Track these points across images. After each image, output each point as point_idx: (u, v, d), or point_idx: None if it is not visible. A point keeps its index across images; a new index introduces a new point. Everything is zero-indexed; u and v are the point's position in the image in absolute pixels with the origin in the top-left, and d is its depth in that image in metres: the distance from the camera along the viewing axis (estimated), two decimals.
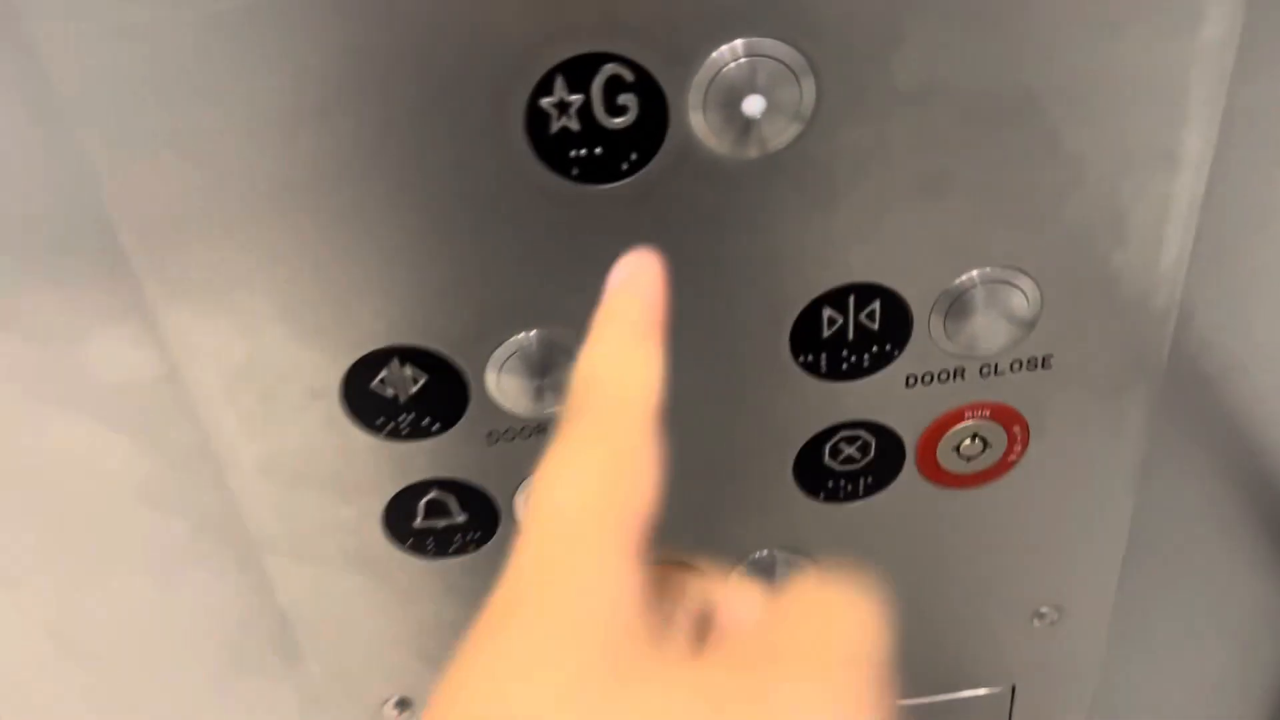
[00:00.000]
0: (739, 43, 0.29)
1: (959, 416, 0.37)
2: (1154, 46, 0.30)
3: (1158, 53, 0.30)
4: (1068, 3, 0.29)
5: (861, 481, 0.39)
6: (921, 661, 0.45)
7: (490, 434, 0.36)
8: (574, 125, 0.29)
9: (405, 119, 0.29)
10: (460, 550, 0.39)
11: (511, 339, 0.33)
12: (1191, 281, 0.35)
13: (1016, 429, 0.38)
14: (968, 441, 0.38)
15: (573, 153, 0.30)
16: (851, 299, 0.34)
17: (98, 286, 0.32)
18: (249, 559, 0.38)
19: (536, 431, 0.36)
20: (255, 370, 0.33)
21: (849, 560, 0.41)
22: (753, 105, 0.30)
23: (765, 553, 0.40)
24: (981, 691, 0.47)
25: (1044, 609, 0.44)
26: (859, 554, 0.41)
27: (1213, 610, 0.46)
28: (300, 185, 0.30)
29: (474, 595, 0.40)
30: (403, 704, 0.43)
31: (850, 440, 0.37)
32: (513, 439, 0.36)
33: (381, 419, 0.35)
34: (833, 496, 0.39)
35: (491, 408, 0.35)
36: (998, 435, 0.38)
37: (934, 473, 0.39)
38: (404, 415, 0.35)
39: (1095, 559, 0.43)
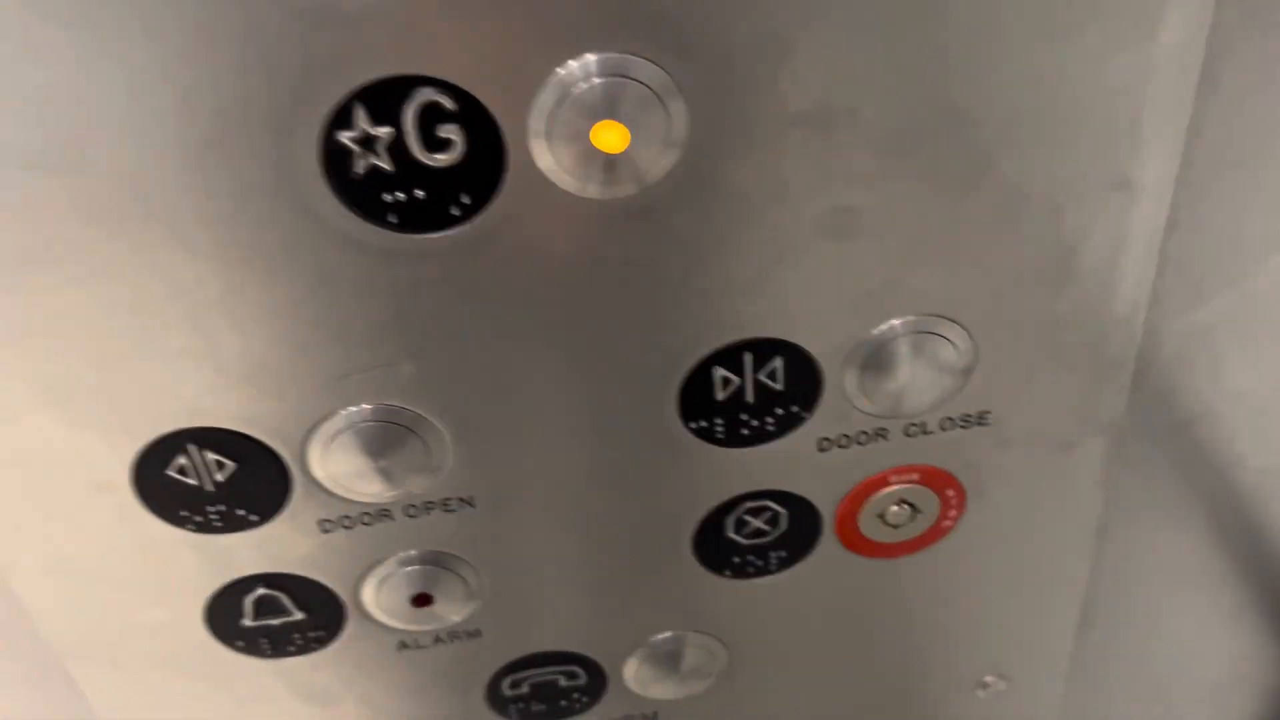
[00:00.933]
0: (590, 59, 0.23)
1: (882, 482, 0.32)
2: (1103, 55, 0.24)
3: (1107, 62, 0.24)
4: (996, 7, 0.23)
5: (773, 556, 0.33)
6: None
7: (322, 522, 0.30)
8: (385, 164, 0.23)
9: (178, 160, 0.23)
10: (301, 649, 0.33)
11: (338, 414, 0.27)
12: (1153, 323, 0.30)
13: (950, 493, 0.32)
14: (894, 508, 0.32)
15: (387, 196, 0.24)
16: (748, 357, 0.28)
17: None
18: (51, 664, 0.32)
19: (380, 517, 0.30)
20: (21, 463, 0.27)
21: (765, 640, 0.35)
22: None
23: (669, 634, 0.35)
24: None
25: (988, 679, 0.39)
26: (776, 633, 0.35)
27: (1180, 675, 0.41)
28: (54, 242, 0.24)
29: (324, 696, 0.34)
30: None
31: (756, 512, 0.32)
32: (350, 527, 0.30)
33: (185, 512, 0.29)
34: (740, 573, 0.33)
35: (320, 492, 0.29)
36: (928, 500, 0.32)
37: (856, 543, 0.33)
38: (213, 506, 0.29)
39: (1045, 624, 0.37)
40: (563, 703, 0.36)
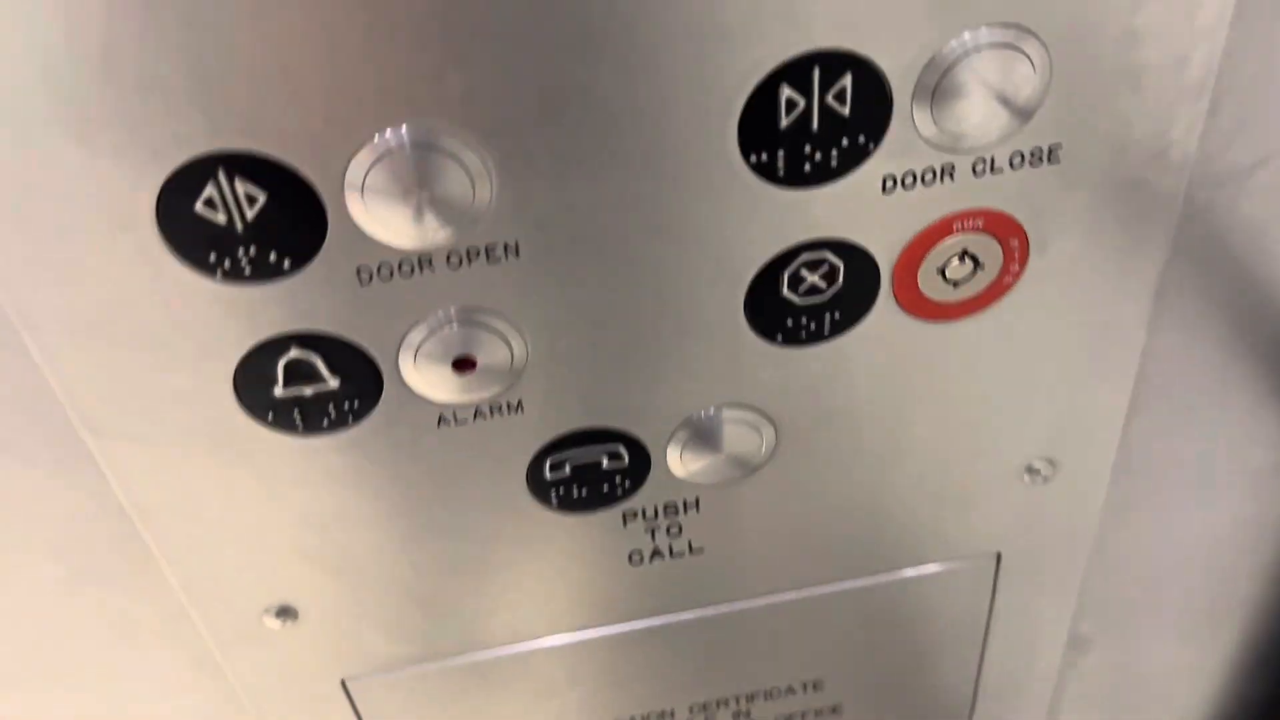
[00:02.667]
0: None
1: (946, 229, 0.30)
2: None
3: None
4: None
5: (827, 317, 0.32)
6: (894, 530, 0.39)
7: (361, 270, 0.28)
8: None
9: None
10: (337, 424, 0.31)
11: (372, 141, 0.25)
12: (1235, 41, 0.28)
13: (1014, 243, 0.31)
14: (956, 261, 0.31)
15: None
16: (816, 73, 0.26)
17: None
18: (71, 441, 0.31)
19: (419, 267, 0.28)
20: (40, 193, 0.25)
21: (814, 417, 0.34)
22: None
23: (715, 409, 0.33)
24: (961, 564, 0.41)
25: (1036, 464, 0.38)
26: (825, 409, 0.34)
27: (1223, 469, 0.40)
28: None
29: (359, 479, 0.33)
30: (285, 612, 0.36)
31: (814, 266, 0.30)
32: (389, 278, 0.28)
33: (215, 255, 0.27)
34: (792, 338, 0.32)
35: (358, 236, 0.27)
36: (992, 252, 0.31)
37: (914, 303, 0.32)
38: (243, 248, 0.27)
39: (1098, 404, 0.36)
40: (605, 487, 0.35)
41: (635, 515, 0.36)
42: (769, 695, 0.45)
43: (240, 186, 0.26)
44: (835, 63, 0.26)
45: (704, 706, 0.45)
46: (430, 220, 0.27)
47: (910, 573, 0.41)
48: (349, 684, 0.39)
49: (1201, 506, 0.41)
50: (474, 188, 0.27)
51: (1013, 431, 0.36)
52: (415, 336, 0.29)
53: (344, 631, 0.37)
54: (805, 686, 0.45)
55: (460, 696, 0.41)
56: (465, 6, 0.24)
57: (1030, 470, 0.38)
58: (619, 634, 0.40)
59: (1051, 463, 0.38)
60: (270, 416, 0.30)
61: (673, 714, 0.45)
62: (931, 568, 0.41)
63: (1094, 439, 0.37)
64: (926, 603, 0.42)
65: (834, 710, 0.47)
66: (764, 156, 0.28)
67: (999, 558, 0.41)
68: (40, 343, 0.28)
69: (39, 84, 0.24)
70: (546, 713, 0.43)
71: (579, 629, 0.40)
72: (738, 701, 0.45)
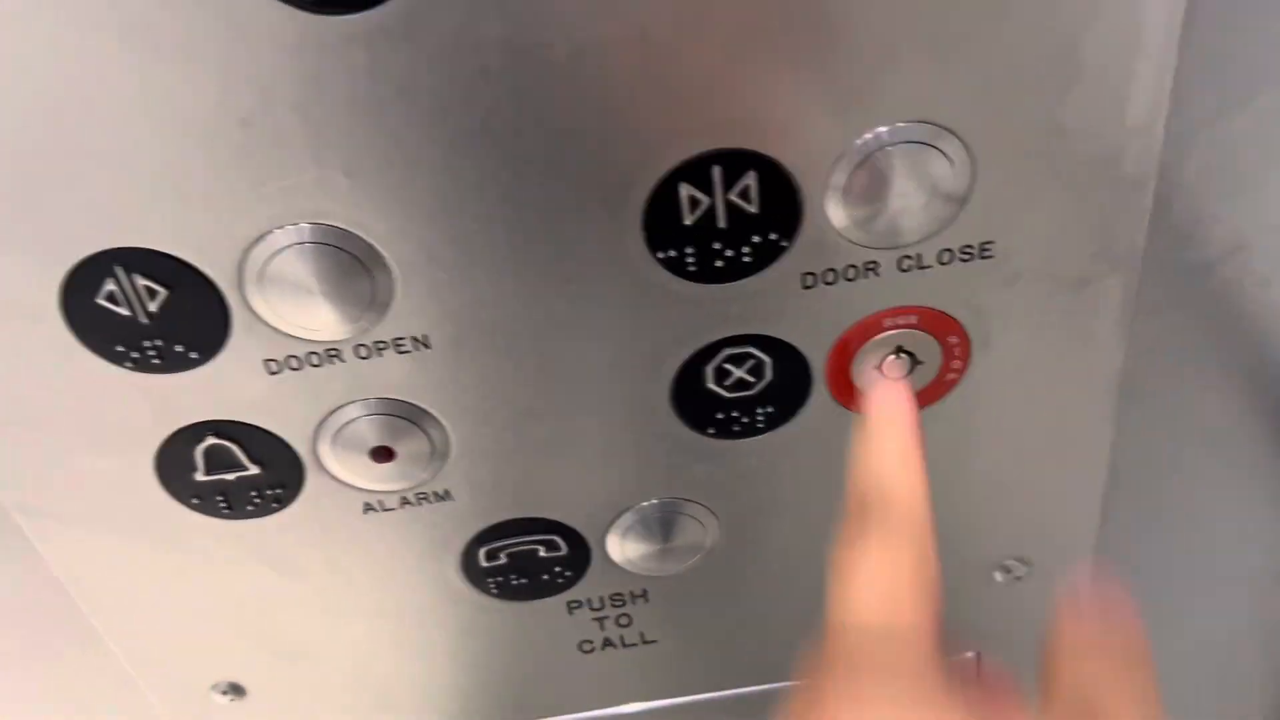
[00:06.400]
0: None
1: (876, 326, 0.29)
2: None
3: None
4: None
5: (759, 412, 0.31)
6: None
7: (268, 362, 0.28)
8: None
9: None
10: (261, 510, 0.31)
11: (272, 233, 0.26)
12: (1175, 134, 0.26)
13: (953, 339, 0.30)
14: (891, 357, 0.30)
15: None
16: (717, 171, 0.26)
17: None
18: (8, 519, 0.31)
19: (329, 358, 0.28)
20: None
21: (758, 509, 0.33)
22: None
23: (654, 501, 0.33)
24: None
25: (1009, 562, 0.36)
26: (769, 501, 0.33)
27: (1218, 554, 0.37)
28: None
29: (290, 563, 0.32)
30: (233, 689, 0.36)
31: (738, 360, 0.29)
32: (298, 368, 0.28)
33: (122, 345, 0.27)
34: (726, 432, 0.31)
35: (263, 327, 0.27)
36: (929, 348, 0.30)
37: (851, 398, 0.31)
38: (149, 340, 0.27)
39: (1068, 501, 0.34)
40: (544, 576, 0.34)
41: (579, 604, 0.35)
42: None
43: (140, 281, 0.26)
44: (737, 161, 0.25)
45: None
46: (329, 314, 0.27)
47: None
48: None
49: (1194, 608, 0.39)
50: (373, 283, 0.26)
51: (978, 530, 0.35)
52: (330, 426, 0.29)
53: (292, 711, 0.37)
54: None
55: None
56: (354, 106, 0.24)
57: (1003, 569, 0.36)
58: None
59: (1024, 561, 0.36)
60: (195, 501, 0.31)
61: None
62: None
63: (1068, 536, 0.36)
64: None
65: None
66: (672, 253, 0.27)
67: (979, 658, 0.39)
68: None
69: None
70: None
71: (535, 718, 0.39)
72: None
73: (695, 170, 0.25)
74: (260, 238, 0.26)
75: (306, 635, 0.35)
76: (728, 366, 0.29)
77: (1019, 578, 0.36)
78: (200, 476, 0.30)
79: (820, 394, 0.30)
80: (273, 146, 0.24)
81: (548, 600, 0.35)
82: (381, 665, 0.36)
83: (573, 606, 0.35)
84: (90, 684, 0.37)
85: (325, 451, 0.30)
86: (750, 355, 0.29)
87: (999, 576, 0.36)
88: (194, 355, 0.27)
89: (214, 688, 0.36)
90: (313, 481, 0.31)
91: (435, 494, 0.31)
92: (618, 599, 0.35)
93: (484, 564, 0.33)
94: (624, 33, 0.23)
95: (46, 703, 0.37)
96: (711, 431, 0.31)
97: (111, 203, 0.25)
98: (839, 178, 0.26)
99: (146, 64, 0.23)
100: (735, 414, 0.30)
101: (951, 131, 0.26)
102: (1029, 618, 0.37)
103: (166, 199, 0.25)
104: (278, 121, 0.24)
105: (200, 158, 0.24)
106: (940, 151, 0.26)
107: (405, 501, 0.32)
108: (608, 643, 0.37)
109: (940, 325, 0.29)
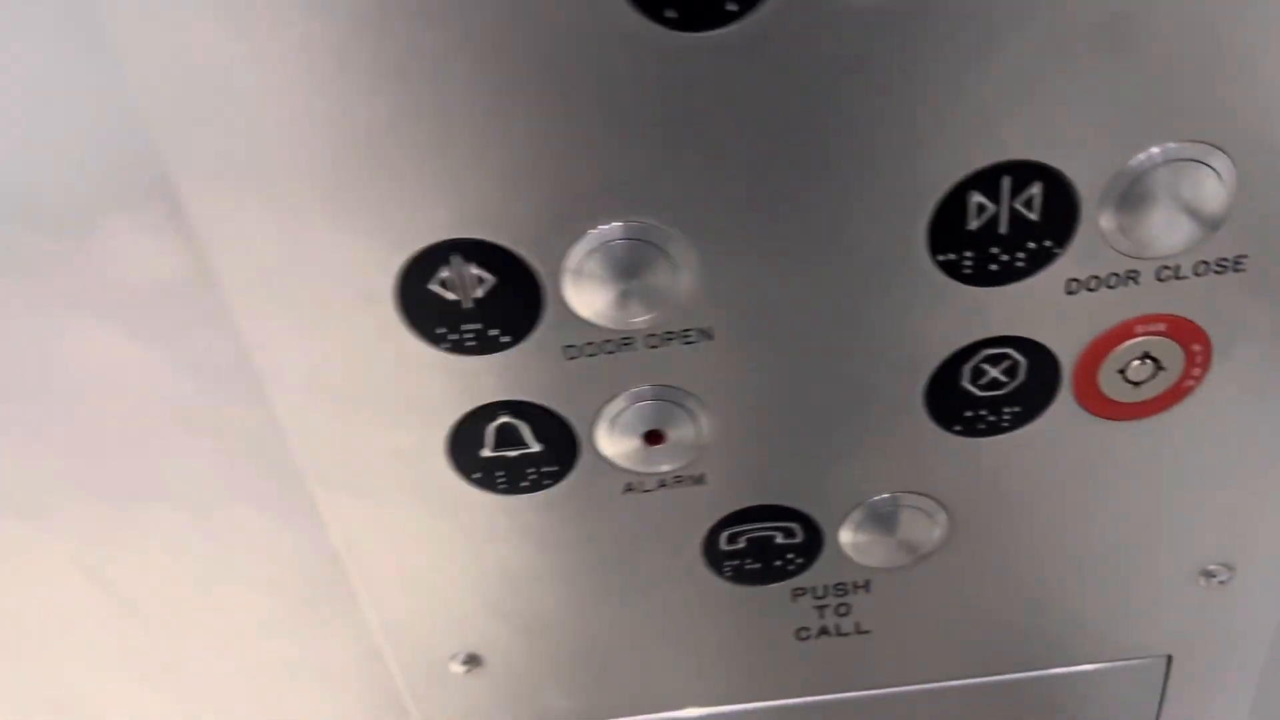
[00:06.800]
0: None
1: (1128, 332, 0.31)
2: None
3: None
4: None
5: (1006, 412, 0.33)
6: (1065, 627, 0.39)
7: (568, 348, 0.30)
8: None
9: None
10: (534, 486, 0.34)
11: (591, 232, 0.28)
12: None
13: (1196, 348, 0.31)
14: (1136, 362, 0.32)
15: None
16: (1006, 182, 0.28)
17: (113, 166, 0.28)
18: (296, 492, 0.34)
19: (621, 346, 0.30)
20: (298, 268, 0.29)
21: (988, 508, 0.35)
22: None
23: (889, 495, 0.35)
24: (1131, 663, 0.40)
25: (1213, 567, 0.37)
26: (999, 500, 0.35)
27: None
28: (342, 44, 0.25)
29: (549, 538, 0.35)
30: (471, 660, 0.38)
31: (996, 360, 0.31)
32: (593, 355, 0.31)
33: (443, 329, 0.30)
34: (970, 430, 0.33)
35: (569, 316, 0.30)
36: (1173, 355, 0.32)
37: (1093, 401, 0.32)
38: (468, 324, 0.30)
39: (1269, 512, 0.36)
40: (776, 562, 0.36)
41: (804, 592, 0.37)
42: None
43: (471, 269, 0.29)
44: (1025, 172, 0.28)
45: None
46: (635, 305, 0.29)
47: (1081, 669, 0.41)
48: None
49: None
50: (678, 278, 0.29)
51: (1189, 534, 0.36)
52: (612, 409, 0.32)
53: (523, 683, 0.40)
54: None
55: None
56: (686, 119, 0.26)
57: (1206, 574, 0.38)
58: (782, 708, 0.41)
59: (1228, 566, 0.37)
60: (476, 476, 0.33)
61: None
62: (1100, 666, 0.41)
63: (1273, 545, 0.37)
64: (1092, 702, 0.42)
65: None
66: (952, 256, 0.29)
67: (1169, 660, 0.40)
68: (286, 402, 0.31)
69: (305, 174, 0.27)
70: None
71: (745, 701, 0.41)
72: None
73: (986, 179, 0.28)
74: (583, 234, 0.28)
75: (549, 610, 0.37)
76: (984, 366, 0.32)
77: (1222, 582, 0.38)
78: (486, 453, 0.33)
79: (1065, 395, 0.32)
80: (603, 153, 0.27)
81: (774, 586, 0.37)
82: (610, 643, 0.38)
83: (797, 593, 0.37)
84: (340, 655, 0.39)
85: (601, 433, 0.32)
86: (1007, 356, 0.31)
87: (1201, 581, 0.38)
88: (505, 339, 0.30)
89: (454, 658, 0.38)
90: (585, 460, 0.33)
91: (691, 478, 0.34)
92: (840, 588, 0.37)
93: (724, 547, 0.36)
94: (927, 59, 0.26)
95: (302, 671, 0.40)
96: (958, 429, 0.33)
97: (458, 197, 0.27)
98: (1115, 191, 0.28)
99: (501, 72, 0.26)
100: (983, 412, 0.33)
101: (1222, 149, 0.28)
102: (1226, 624, 0.39)
103: (510, 196, 0.27)
104: (621, 131, 0.27)
105: (546, 160, 0.27)
106: (1211, 168, 0.28)
107: (662, 484, 0.34)
108: (823, 631, 0.39)
109: (1187, 333, 0.31)
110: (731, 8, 0.25)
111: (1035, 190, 0.28)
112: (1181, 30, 0.26)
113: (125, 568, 0.36)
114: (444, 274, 0.29)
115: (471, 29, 0.25)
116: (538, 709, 0.41)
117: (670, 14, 0.25)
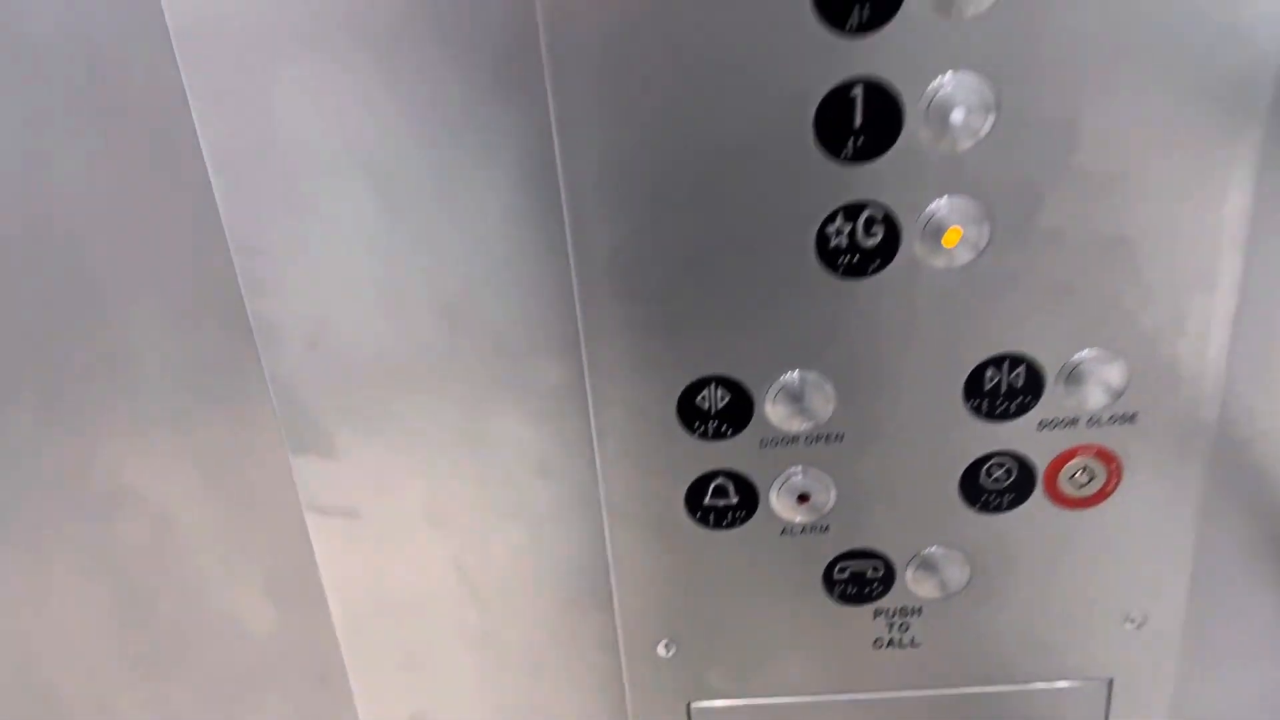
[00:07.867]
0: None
1: (1074, 453, 0.56)
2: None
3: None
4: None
5: (1004, 498, 0.57)
6: (1036, 651, 0.62)
7: (762, 440, 0.55)
8: (843, 242, 0.50)
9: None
10: (729, 525, 0.58)
11: (782, 376, 0.53)
12: (1234, 365, 0.53)
13: (1113, 466, 0.56)
14: (1079, 473, 0.56)
15: (841, 260, 0.51)
16: (1005, 364, 0.53)
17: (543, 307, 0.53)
18: (595, 519, 0.58)
19: (791, 441, 0.55)
20: (628, 407, 0.54)
21: (993, 562, 0.59)
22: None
23: (934, 549, 0.59)
24: (1081, 682, 0.63)
25: (1133, 613, 0.60)
26: (997, 556, 0.59)
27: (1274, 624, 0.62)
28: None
29: (730, 560, 0.59)
30: (671, 643, 0.61)
31: (999, 465, 0.56)
32: (776, 445, 0.55)
33: (697, 424, 0.55)
34: (984, 508, 0.57)
35: (765, 422, 0.54)
36: (1100, 470, 0.56)
37: (1056, 495, 0.57)
38: (711, 423, 0.55)
39: (1167, 576, 0.59)
40: (866, 589, 0.60)
41: (880, 613, 0.61)
42: None
43: (719, 392, 0.54)
44: (1014, 360, 0.53)
45: None
46: (799, 420, 0.54)
47: (1037, 686, 0.63)
48: (692, 707, 0.64)
49: (1267, 661, 0.63)
50: (827, 406, 0.54)
51: (1114, 588, 0.60)
52: (781, 479, 0.56)
53: (698, 665, 0.62)
54: None
55: None
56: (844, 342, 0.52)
57: (1129, 619, 0.61)
58: (863, 700, 0.64)
59: (1143, 614, 0.60)
60: (697, 515, 0.57)
61: None
62: (1056, 685, 0.63)
63: (1168, 599, 0.60)
64: (1049, 713, 0.64)
65: None
66: (977, 402, 0.54)
67: (1110, 683, 0.63)
68: (603, 460, 0.56)
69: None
70: None
71: (844, 692, 0.63)
72: None
73: (995, 362, 0.53)
74: (789, 375, 0.54)
75: (723, 610, 0.60)
76: (993, 469, 0.56)
77: (1139, 625, 0.61)
78: (705, 501, 0.57)
79: (1039, 491, 0.57)
80: (796, 348, 0.53)
81: (862, 606, 0.60)
82: (761, 640, 0.61)
83: (876, 613, 0.61)
84: (587, 637, 0.63)
85: (774, 495, 0.57)
86: (1005, 464, 0.56)
87: (1127, 624, 0.61)
88: (728, 431, 0.55)
89: (660, 642, 0.62)
90: (761, 512, 0.57)
91: (820, 527, 0.58)
92: (903, 611, 0.61)
93: (836, 576, 0.59)
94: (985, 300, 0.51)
95: (558, 647, 0.63)
96: (978, 507, 0.57)
97: (721, 347, 0.53)
98: (1065, 372, 0.53)
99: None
100: (991, 497, 0.57)
101: (1123, 356, 0.53)
102: (1146, 656, 0.62)
103: (746, 350, 0.53)
104: (805, 335, 0.52)
105: (770, 344, 0.53)
106: (1117, 364, 0.53)
107: (804, 530, 0.58)
108: (891, 643, 0.62)
109: (1106, 457, 0.55)
110: (876, 263, 0.51)
111: (1021, 370, 0.53)
112: (1106, 286, 0.51)
113: (483, 569, 0.60)
114: (704, 394, 0.54)
115: (757, 260, 0.51)
116: (702, 689, 0.63)
117: (840, 268, 0.51)
